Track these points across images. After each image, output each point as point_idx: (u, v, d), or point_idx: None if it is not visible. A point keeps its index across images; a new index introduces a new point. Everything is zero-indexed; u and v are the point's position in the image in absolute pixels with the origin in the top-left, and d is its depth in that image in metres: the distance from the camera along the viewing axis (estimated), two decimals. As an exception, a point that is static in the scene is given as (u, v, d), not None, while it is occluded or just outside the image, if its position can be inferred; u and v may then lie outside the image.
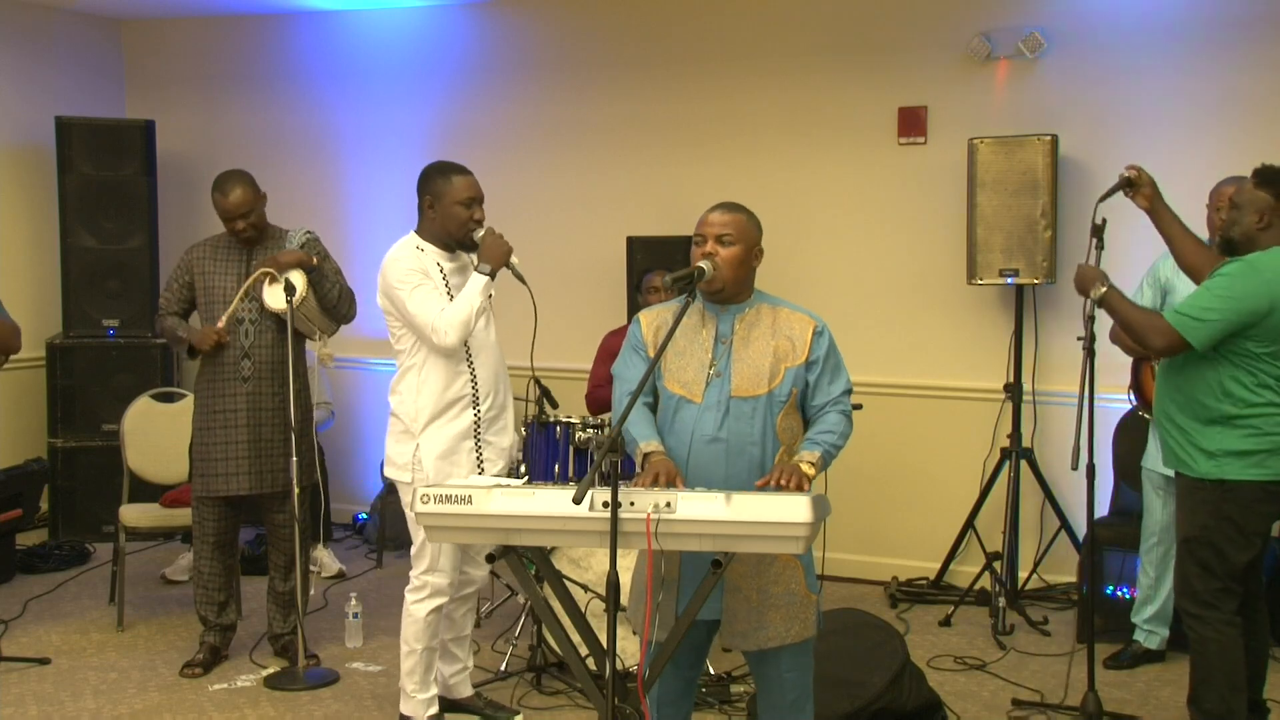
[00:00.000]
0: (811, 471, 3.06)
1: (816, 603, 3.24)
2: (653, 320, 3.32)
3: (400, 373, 4.13)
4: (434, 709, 4.18)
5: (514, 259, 4.10)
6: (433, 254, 4.11)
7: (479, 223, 4.10)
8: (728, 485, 3.06)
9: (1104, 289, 3.91)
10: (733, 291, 3.24)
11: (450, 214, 4.08)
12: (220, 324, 4.68)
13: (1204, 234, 4.47)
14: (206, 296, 4.82)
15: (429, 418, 4.06)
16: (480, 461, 4.11)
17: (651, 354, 3.25)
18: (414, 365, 4.08)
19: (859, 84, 6.13)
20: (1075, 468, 3.97)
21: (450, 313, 3.97)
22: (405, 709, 4.18)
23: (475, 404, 4.10)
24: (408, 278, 4.01)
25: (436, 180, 4.12)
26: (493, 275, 4.05)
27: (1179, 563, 3.95)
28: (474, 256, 4.12)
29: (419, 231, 4.16)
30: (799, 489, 2.97)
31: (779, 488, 2.96)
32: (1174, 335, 3.75)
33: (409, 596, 4.14)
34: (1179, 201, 4.15)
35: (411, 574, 4.15)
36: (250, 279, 4.71)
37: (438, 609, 4.12)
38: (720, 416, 3.16)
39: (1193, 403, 3.82)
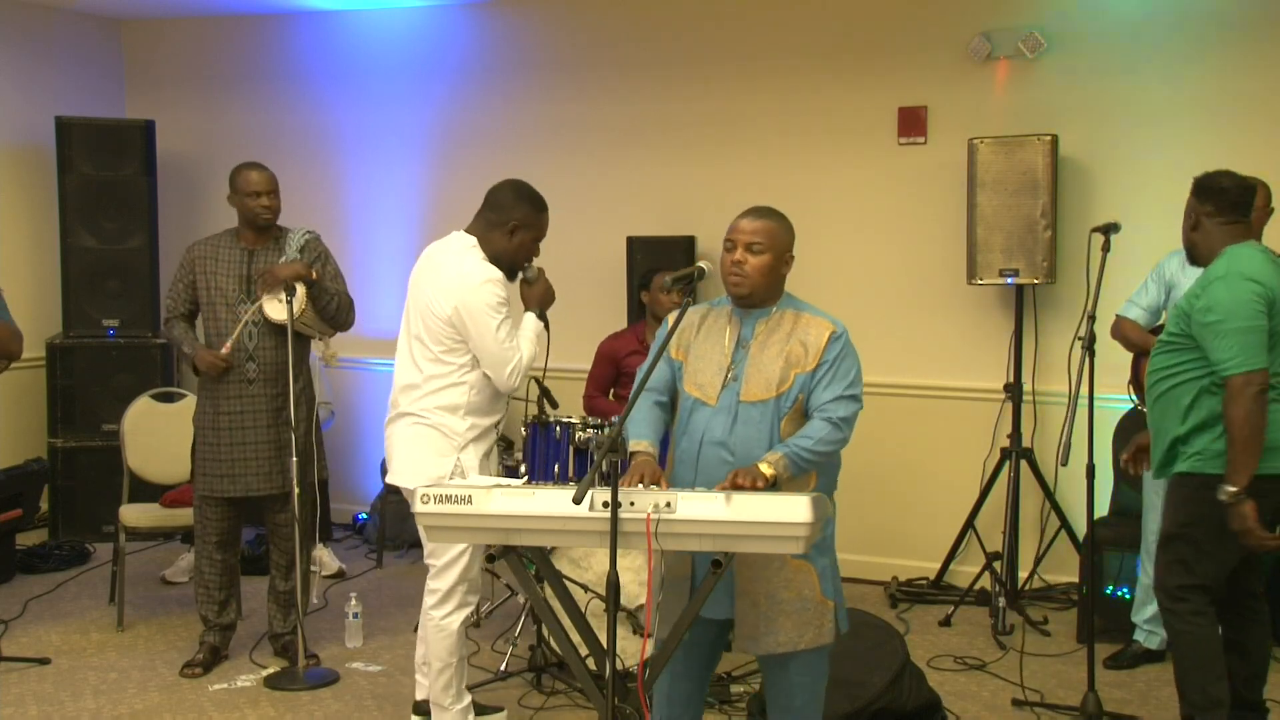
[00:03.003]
0: (770, 472, 3.02)
1: (835, 609, 3.21)
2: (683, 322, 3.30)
3: (444, 386, 3.98)
4: (470, 714, 4.12)
5: None
6: (501, 277, 4.02)
7: (533, 257, 4.09)
8: None
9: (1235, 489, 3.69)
10: (761, 297, 3.26)
11: (525, 247, 4.02)
12: (225, 350, 4.70)
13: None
14: (209, 296, 4.83)
15: (476, 435, 3.99)
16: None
17: (675, 355, 3.27)
18: (466, 383, 3.97)
19: (859, 84, 6.13)
20: (1064, 464, 3.98)
21: (524, 360, 3.97)
22: None
23: (499, 423, 4.12)
24: (500, 308, 3.90)
25: (531, 211, 4.00)
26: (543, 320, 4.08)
27: (1157, 557, 3.97)
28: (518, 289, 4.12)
29: (484, 248, 3.99)
30: (753, 489, 2.95)
31: (737, 489, 2.94)
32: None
33: (436, 613, 3.98)
34: (1178, 201, 4.13)
35: (435, 585, 3.99)
36: (249, 312, 4.71)
37: (467, 618, 4.05)
38: (729, 420, 3.17)
39: (1175, 406, 3.82)
